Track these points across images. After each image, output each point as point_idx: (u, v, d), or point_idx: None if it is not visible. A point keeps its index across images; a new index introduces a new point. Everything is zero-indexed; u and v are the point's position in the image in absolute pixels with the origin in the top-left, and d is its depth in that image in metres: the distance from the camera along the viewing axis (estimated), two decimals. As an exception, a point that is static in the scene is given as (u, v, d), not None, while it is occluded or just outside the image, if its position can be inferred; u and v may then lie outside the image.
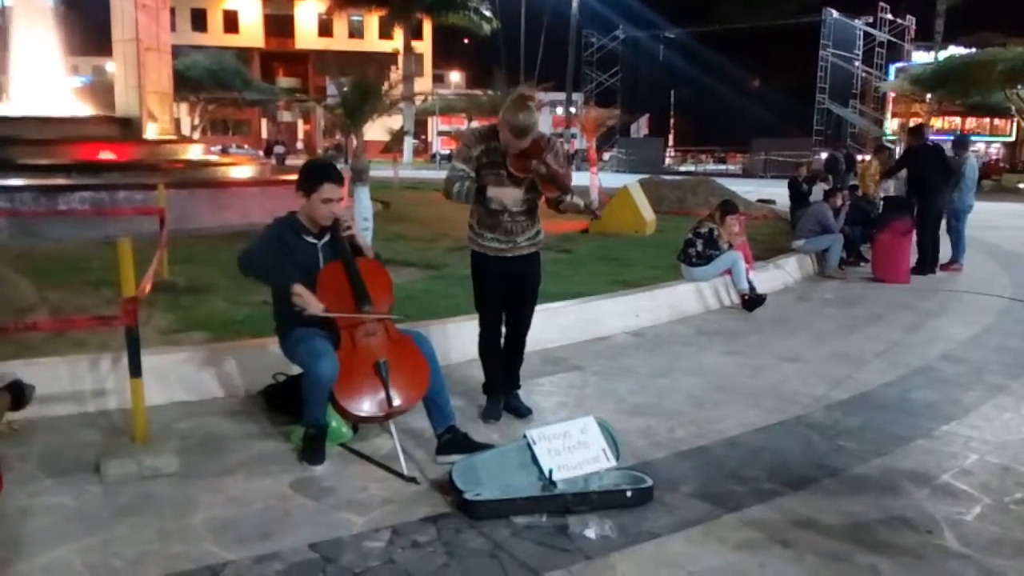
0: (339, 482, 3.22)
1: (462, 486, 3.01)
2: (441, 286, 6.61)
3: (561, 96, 37.14)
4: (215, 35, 55.98)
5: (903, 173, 10.11)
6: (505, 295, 3.93)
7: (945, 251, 9.42)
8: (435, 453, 3.45)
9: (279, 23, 59.18)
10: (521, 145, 3.59)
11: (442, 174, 4.25)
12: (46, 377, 3.80)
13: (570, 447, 3.22)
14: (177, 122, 21.69)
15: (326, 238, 3.54)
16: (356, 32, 59.42)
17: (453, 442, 3.43)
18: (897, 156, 12.87)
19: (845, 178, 13.75)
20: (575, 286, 6.51)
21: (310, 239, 3.53)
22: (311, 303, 3.32)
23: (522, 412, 4.04)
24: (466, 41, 52.66)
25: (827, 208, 8.99)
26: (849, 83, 40.05)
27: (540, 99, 3.83)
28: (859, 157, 22.74)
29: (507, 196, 3.68)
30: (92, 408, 3.93)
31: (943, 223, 9.38)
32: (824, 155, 19.98)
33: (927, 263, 9.12)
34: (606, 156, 40.47)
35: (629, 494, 3.05)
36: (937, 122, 41.51)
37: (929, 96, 36.38)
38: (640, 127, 47.72)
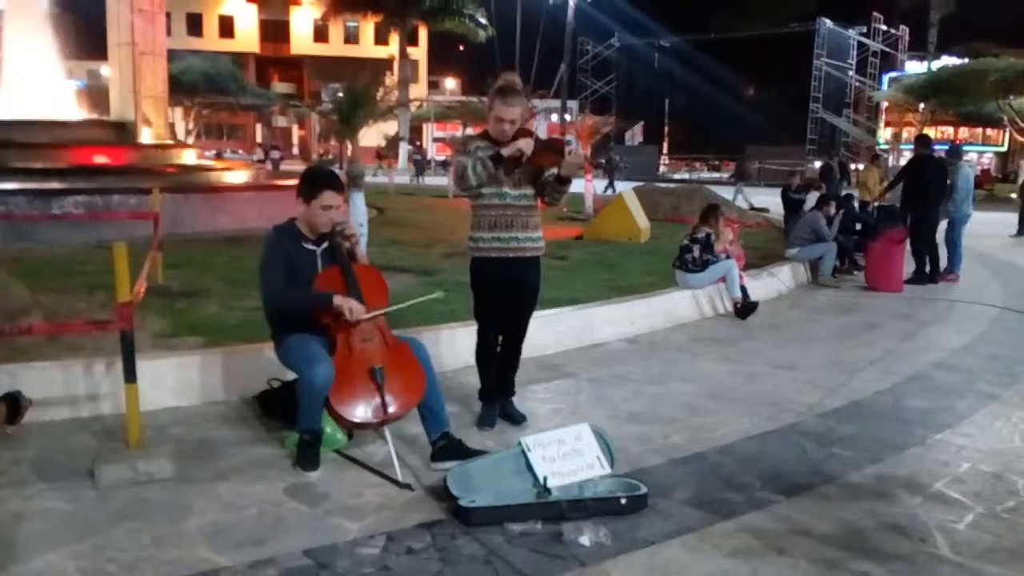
0: (334, 488, 3.22)
1: (457, 492, 3.01)
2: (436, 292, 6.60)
3: (556, 103, 37.35)
4: (210, 40, 55.88)
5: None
6: (504, 302, 3.94)
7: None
8: (430, 460, 3.45)
9: (274, 28, 59.19)
10: (511, 115, 3.67)
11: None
12: (40, 381, 3.80)
13: (564, 454, 3.22)
14: (172, 126, 21.65)
15: (324, 244, 3.55)
16: (351, 38, 59.44)
17: (447, 448, 3.44)
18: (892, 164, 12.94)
19: (839, 187, 13.82)
20: (570, 293, 6.50)
21: (309, 246, 3.54)
22: (355, 309, 3.31)
23: (517, 419, 4.05)
24: (461, 48, 52.80)
25: (821, 217, 9.03)
26: (843, 92, 40.36)
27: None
28: (852, 166, 22.86)
29: (523, 144, 3.67)
30: (86, 413, 3.92)
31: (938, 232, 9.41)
32: (818, 164, 20.10)
33: (925, 273, 9.12)
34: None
35: (623, 501, 3.06)
36: (930, 132, 41.69)
37: (922, 106, 36.55)
38: (635, 135, 47.94)
